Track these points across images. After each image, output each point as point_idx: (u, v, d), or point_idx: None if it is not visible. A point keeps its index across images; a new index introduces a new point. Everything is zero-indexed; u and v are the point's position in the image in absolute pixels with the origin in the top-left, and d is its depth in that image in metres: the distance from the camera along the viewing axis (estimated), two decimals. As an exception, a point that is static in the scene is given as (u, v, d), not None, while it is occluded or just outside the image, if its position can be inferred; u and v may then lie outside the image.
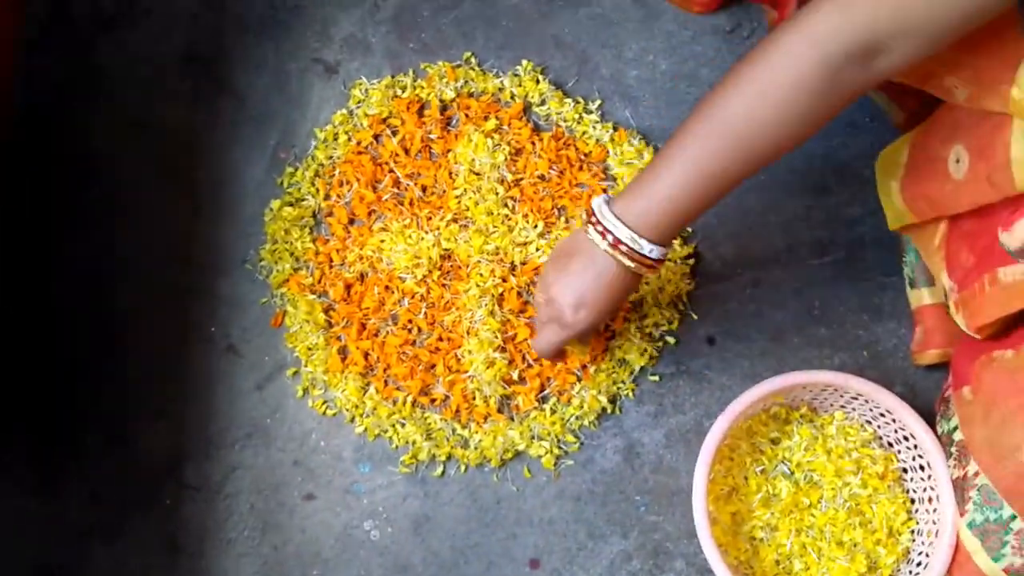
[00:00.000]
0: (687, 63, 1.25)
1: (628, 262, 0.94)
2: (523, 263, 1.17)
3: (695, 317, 1.19)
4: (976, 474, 1.00)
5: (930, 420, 1.08)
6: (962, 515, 1.02)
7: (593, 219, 0.94)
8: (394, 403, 1.15)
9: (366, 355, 1.16)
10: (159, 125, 1.23)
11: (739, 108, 0.86)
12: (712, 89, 0.89)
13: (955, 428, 1.04)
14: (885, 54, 0.81)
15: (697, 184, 0.91)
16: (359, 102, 1.23)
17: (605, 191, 1.20)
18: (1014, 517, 0.94)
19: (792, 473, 1.13)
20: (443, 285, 1.17)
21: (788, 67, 0.83)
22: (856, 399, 1.12)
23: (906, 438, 1.10)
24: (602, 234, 0.93)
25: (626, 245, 0.93)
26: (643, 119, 1.24)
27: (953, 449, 1.04)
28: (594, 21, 1.26)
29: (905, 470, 1.13)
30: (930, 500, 1.08)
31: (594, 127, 1.21)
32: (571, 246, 0.98)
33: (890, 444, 1.14)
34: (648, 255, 0.93)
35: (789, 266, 1.20)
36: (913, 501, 1.12)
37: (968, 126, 0.92)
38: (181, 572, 1.13)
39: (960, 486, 1.03)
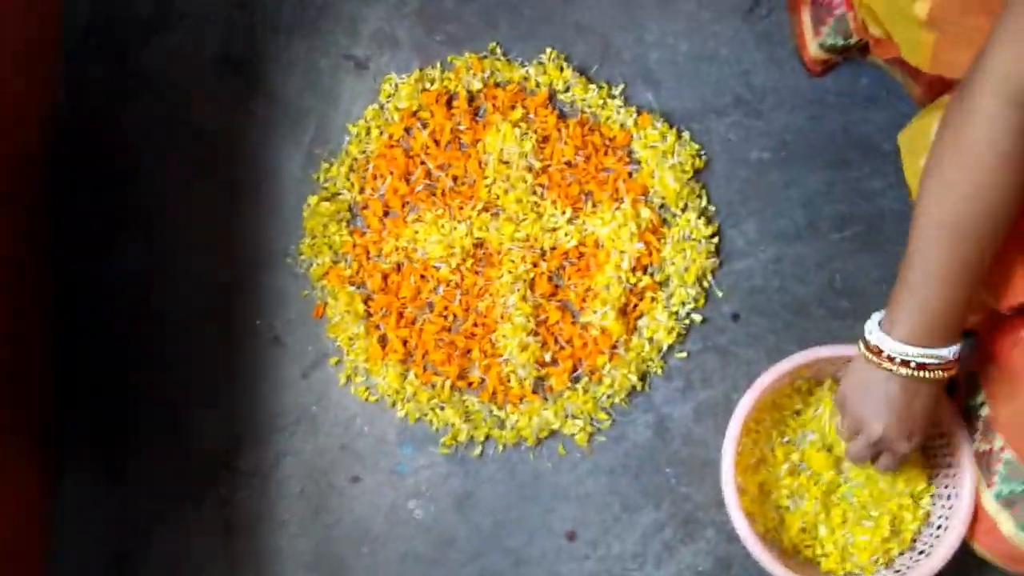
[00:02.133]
0: (707, 43, 1.28)
1: (933, 374, 0.96)
2: (552, 248, 1.22)
3: (720, 294, 1.23)
4: (1002, 448, 1.03)
5: (950, 389, 1.11)
6: (989, 486, 1.05)
7: (882, 353, 0.96)
8: (433, 387, 1.21)
9: (405, 342, 1.21)
10: (198, 125, 1.27)
11: (957, 208, 0.88)
12: (925, 187, 0.90)
13: (981, 404, 1.07)
14: None
15: (954, 283, 0.91)
16: (389, 96, 1.27)
17: (630, 175, 1.23)
18: None
19: (816, 442, 1.18)
20: (476, 272, 1.22)
21: (982, 158, 0.85)
22: (877, 371, 1.15)
23: (926, 407, 1.14)
24: (904, 364, 0.95)
25: (929, 363, 0.95)
26: (665, 101, 1.27)
27: (979, 423, 1.07)
28: (614, 6, 1.29)
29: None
30: (949, 466, 1.12)
31: (618, 112, 1.25)
32: (866, 379, 1.00)
33: (911, 413, 1.18)
34: (949, 357, 0.95)
35: (811, 241, 1.24)
36: (933, 467, 1.17)
37: None
38: (239, 554, 1.20)
39: (986, 459, 1.06)
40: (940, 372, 0.96)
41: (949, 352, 0.95)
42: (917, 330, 0.94)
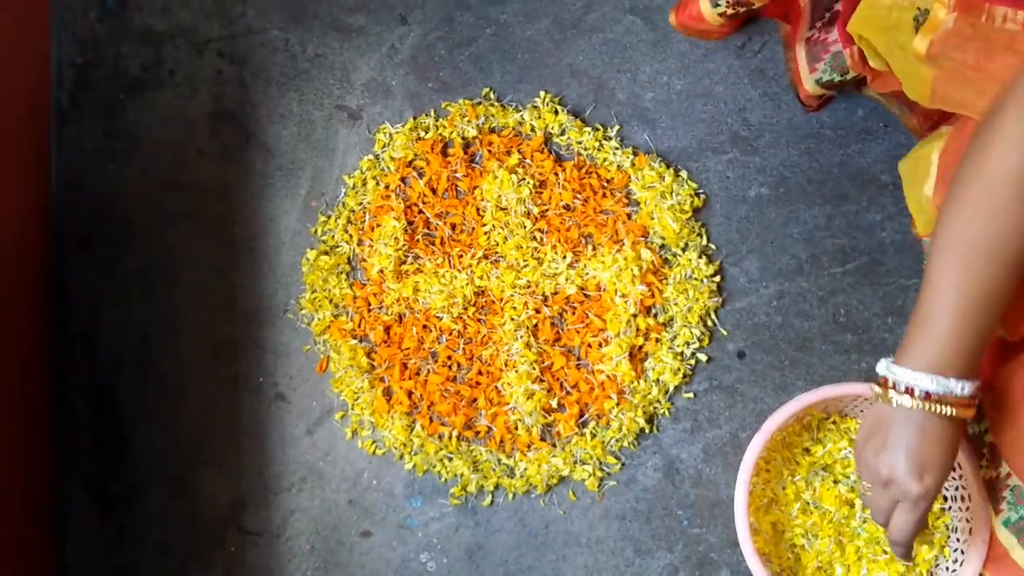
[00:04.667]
0: (701, 81, 1.28)
1: (945, 409, 0.90)
2: (554, 293, 1.21)
3: (724, 333, 1.23)
4: (1008, 475, 1.03)
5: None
6: (997, 514, 1.05)
7: (890, 384, 0.92)
8: (440, 438, 1.20)
9: (410, 394, 1.20)
10: (193, 182, 1.26)
11: (976, 231, 0.86)
12: (944, 212, 0.88)
13: (986, 431, 1.07)
14: None
15: (970, 311, 0.88)
16: (384, 146, 1.26)
17: (629, 216, 1.23)
18: None
19: (828, 479, 1.17)
20: (479, 320, 1.21)
21: (1006, 181, 0.83)
22: (886, 406, 1.15)
23: (936, 441, 1.13)
24: (908, 393, 0.91)
25: (936, 393, 0.90)
26: (661, 141, 1.26)
27: (985, 450, 1.07)
28: (607, 47, 1.28)
29: (937, 470, 1.17)
30: (963, 499, 1.12)
31: (614, 153, 1.24)
32: (878, 421, 0.95)
33: (921, 446, 1.17)
34: (961, 393, 0.90)
35: (812, 276, 1.23)
36: (946, 499, 1.16)
37: None
38: (251, 616, 1.19)
39: (993, 486, 1.06)
40: (951, 408, 0.90)
41: (960, 386, 0.89)
42: (926, 357, 0.89)
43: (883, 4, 0.97)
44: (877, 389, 0.92)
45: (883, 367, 0.92)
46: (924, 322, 0.89)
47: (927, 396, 0.90)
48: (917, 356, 0.90)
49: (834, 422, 1.19)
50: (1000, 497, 1.04)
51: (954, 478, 1.13)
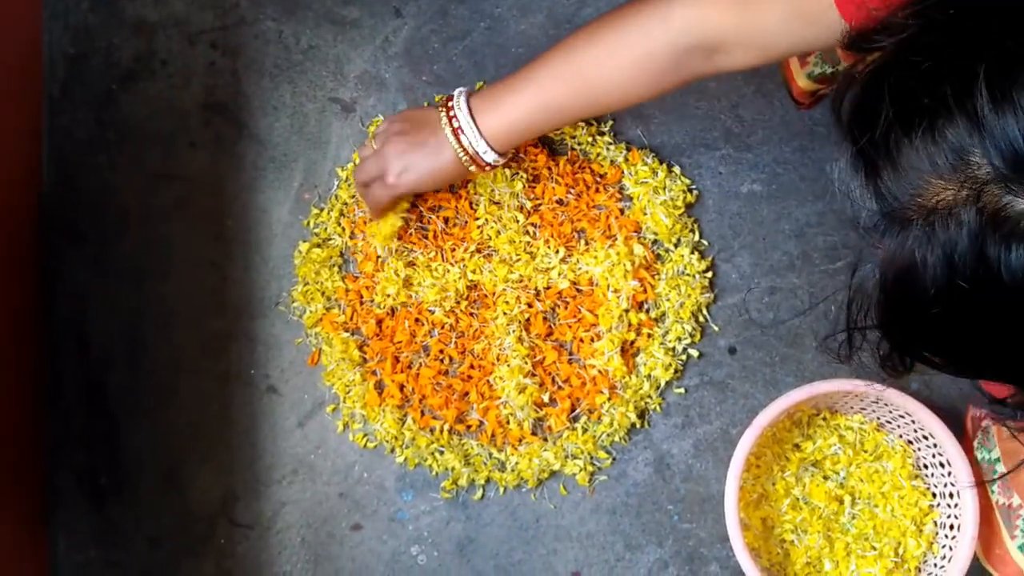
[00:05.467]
0: (694, 77, 1.28)
1: (463, 156, 1.08)
2: (547, 288, 1.21)
3: (716, 329, 1.23)
4: (1020, 506, 1.05)
5: (946, 415, 1.12)
6: (1012, 539, 1.07)
7: (451, 111, 1.07)
8: (431, 432, 1.20)
9: (401, 388, 1.20)
10: (185, 174, 1.26)
11: (593, 62, 1.00)
12: (576, 33, 1.02)
13: (997, 459, 1.09)
14: (725, 54, 0.94)
15: (544, 112, 1.04)
16: (377, 139, 1.26)
17: (622, 211, 1.23)
18: None
19: (817, 475, 1.18)
20: (471, 314, 1.21)
21: (641, 42, 0.97)
22: (876, 402, 1.16)
23: (925, 437, 1.14)
24: (452, 127, 1.07)
25: (469, 143, 1.07)
26: (655, 136, 1.26)
27: (995, 476, 1.09)
28: (601, 42, 1.28)
29: (926, 466, 1.17)
30: (951, 495, 1.13)
31: (608, 148, 1.24)
32: (422, 117, 1.11)
33: (909, 442, 1.18)
34: (483, 157, 1.08)
35: (804, 272, 1.24)
36: (935, 495, 1.17)
37: None
38: (241, 608, 1.19)
39: (1007, 512, 1.08)
40: (470, 161, 1.08)
41: (491, 156, 1.08)
42: (490, 121, 1.05)
43: None
44: (442, 100, 1.09)
45: (459, 96, 1.07)
46: (508, 96, 1.05)
47: (460, 140, 1.06)
48: (482, 113, 1.06)
49: (824, 418, 1.20)
50: (1014, 524, 1.07)
51: (943, 475, 1.14)
